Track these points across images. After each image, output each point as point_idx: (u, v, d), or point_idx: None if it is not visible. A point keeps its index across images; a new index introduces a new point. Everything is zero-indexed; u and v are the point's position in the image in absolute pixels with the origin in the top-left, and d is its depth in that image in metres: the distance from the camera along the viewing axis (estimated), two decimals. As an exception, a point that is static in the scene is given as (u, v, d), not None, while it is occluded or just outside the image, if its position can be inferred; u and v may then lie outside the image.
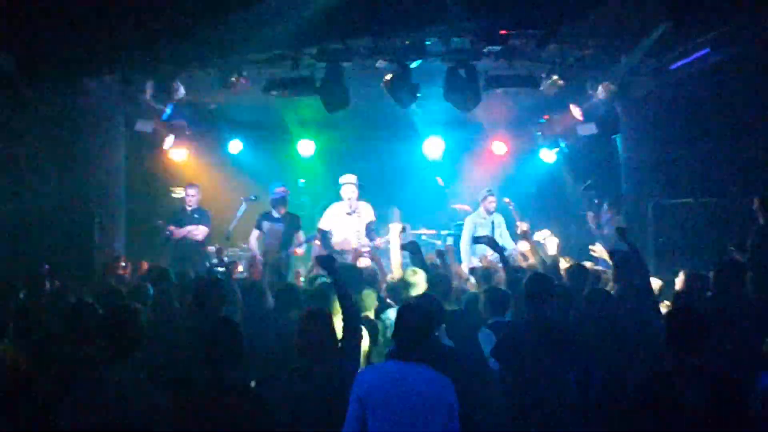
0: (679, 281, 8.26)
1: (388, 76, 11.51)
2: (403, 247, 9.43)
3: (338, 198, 12.89)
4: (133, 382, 5.07)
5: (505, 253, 9.29)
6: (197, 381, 5.09)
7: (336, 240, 12.43)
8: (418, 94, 11.71)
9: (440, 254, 9.79)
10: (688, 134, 11.79)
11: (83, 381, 5.13)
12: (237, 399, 4.85)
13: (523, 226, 10.25)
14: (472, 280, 9.65)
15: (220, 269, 10.66)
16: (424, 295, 7.09)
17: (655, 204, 11.94)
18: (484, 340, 6.88)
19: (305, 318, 5.85)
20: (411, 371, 5.19)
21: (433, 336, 5.82)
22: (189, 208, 13.25)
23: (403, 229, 9.91)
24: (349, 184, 12.70)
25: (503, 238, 12.66)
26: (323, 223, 12.75)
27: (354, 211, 12.63)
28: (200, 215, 13.21)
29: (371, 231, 12.55)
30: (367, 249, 11.73)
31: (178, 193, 14.15)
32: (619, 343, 6.86)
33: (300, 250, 12.55)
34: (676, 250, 11.37)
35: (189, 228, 13.02)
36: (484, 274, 9.34)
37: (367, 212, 12.77)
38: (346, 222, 12.64)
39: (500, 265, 9.25)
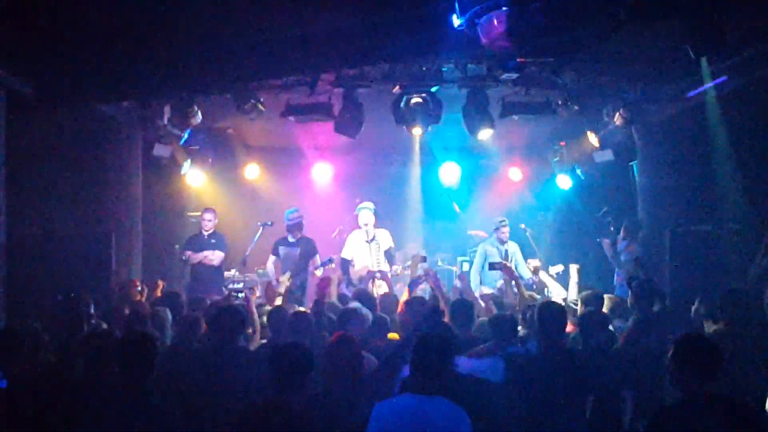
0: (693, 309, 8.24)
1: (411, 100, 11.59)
2: (418, 278, 9.38)
3: (354, 222, 12.96)
4: (146, 409, 5.07)
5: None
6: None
7: (357, 268, 12.50)
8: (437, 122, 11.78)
9: (462, 279, 9.78)
10: (705, 161, 11.74)
11: (95, 407, 5.14)
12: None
13: (534, 263, 10.34)
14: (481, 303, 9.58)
15: (239, 294, 10.67)
16: (439, 323, 6.95)
17: (672, 231, 11.87)
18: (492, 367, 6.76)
19: (334, 343, 5.87)
20: (427, 405, 5.11)
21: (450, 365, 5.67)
22: (205, 233, 13.27)
23: (423, 259, 9.86)
24: (365, 209, 12.73)
25: (519, 267, 12.63)
26: (345, 252, 12.80)
27: (373, 239, 12.65)
28: (217, 240, 13.22)
29: (391, 258, 12.59)
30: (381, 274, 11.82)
31: (195, 217, 14.16)
32: (638, 369, 6.84)
33: (318, 273, 12.53)
34: (694, 277, 11.30)
35: (205, 253, 13.03)
36: (495, 300, 9.33)
37: (385, 239, 12.79)
38: (365, 250, 12.66)
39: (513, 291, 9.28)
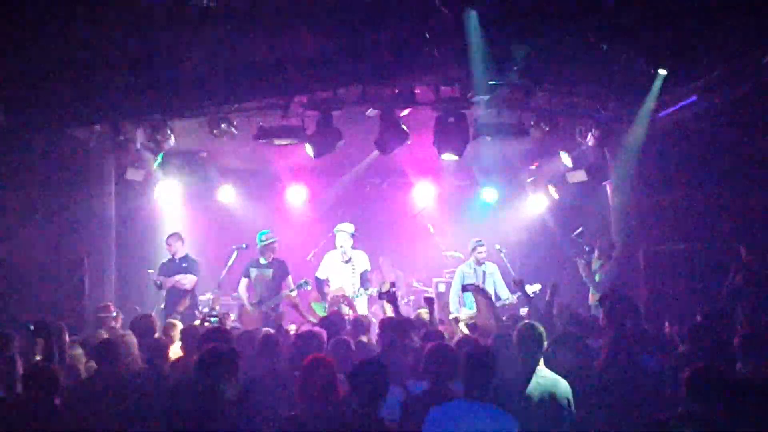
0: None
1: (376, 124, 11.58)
2: (380, 296, 9.45)
3: (329, 244, 12.96)
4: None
5: (499, 303, 9.25)
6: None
7: (333, 288, 12.48)
8: (407, 142, 11.75)
9: (429, 302, 9.50)
10: (677, 181, 11.83)
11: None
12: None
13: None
14: (462, 329, 9.48)
15: (213, 319, 10.56)
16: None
17: (645, 250, 11.93)
18: None
19: (308, 365, 5.83)
20: (478, 410, 5.42)
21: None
22: (176, 258, 13.11)
23: (392, 285, 9.82)
24: (342, 232, 12.76)
25: (497, 287, 12.66)
26: (320, 272, 12.79)
27: (349, 260, 12.66)
28: (188, 264, 13.04)
29: (366, 281, 12.59)
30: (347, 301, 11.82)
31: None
32: (615, 388, 6.81)
33: (292, 295, 12.39)
34: (668, 296, 11.36)
35: (177, 277, 12.86)
36: (470, 325, 9.30)
37: (361, 261, 12.79)
38: (341, 270, 12.66)
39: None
